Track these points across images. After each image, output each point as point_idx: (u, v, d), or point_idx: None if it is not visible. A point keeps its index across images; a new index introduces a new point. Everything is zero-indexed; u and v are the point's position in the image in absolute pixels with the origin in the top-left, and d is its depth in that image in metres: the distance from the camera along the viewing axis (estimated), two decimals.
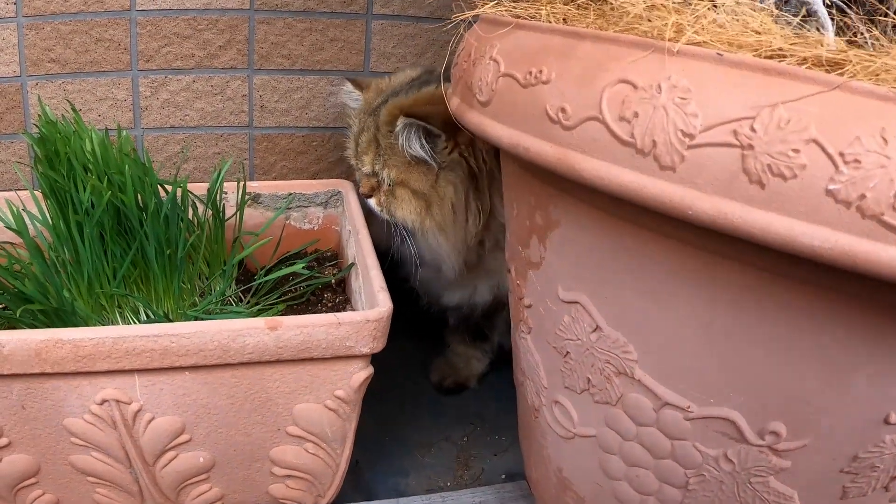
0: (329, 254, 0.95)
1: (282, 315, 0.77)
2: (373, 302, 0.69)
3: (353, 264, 0.84)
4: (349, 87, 0.97)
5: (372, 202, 0.89)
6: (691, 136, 0.40)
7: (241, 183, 0.82)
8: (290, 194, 0.95)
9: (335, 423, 0.68)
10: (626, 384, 0.54)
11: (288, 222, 0.96)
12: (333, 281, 0.86)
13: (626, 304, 0.52)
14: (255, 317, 0.68)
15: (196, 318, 0.70)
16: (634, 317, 0.52)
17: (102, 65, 0.98)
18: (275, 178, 1.11)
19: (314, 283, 0.84)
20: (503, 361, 1.03)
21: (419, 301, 1.01)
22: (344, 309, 0.82)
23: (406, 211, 0.85)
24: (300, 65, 1.06)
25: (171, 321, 0.68)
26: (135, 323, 0.71)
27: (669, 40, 0.43)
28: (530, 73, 0.50)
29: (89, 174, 0.68)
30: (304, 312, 0.80)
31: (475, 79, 0.57)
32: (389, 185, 0.86)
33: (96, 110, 1.00)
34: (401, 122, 0.79)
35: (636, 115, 0.43)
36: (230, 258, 0.77)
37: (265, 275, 0.82)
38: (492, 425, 0.99)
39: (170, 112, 1.04)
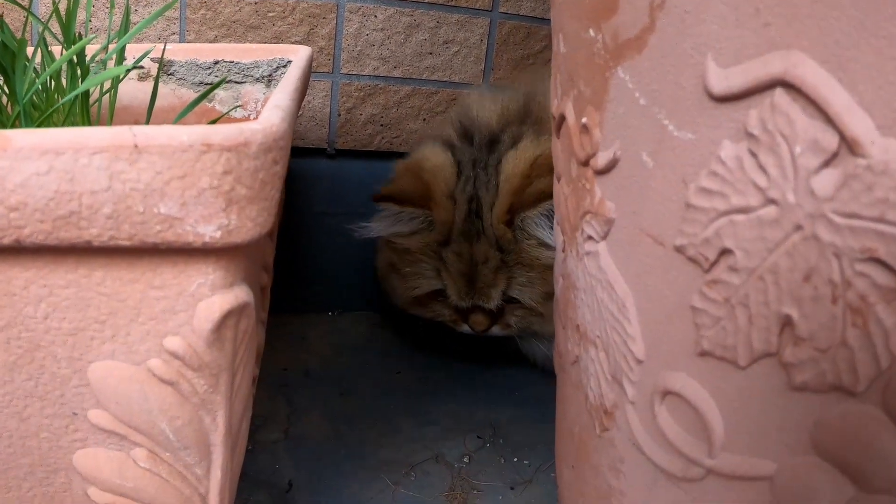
0: None
1: None
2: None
3: None
4: (393, 207, 0.68)
5: (495, 331, 0.71)
6: None
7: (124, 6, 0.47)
8: (217, 62, 0.61)
9: (177, 411, 0.33)
10: None
11: (211, 106, 0.61)
12: None
13: None
14: None
15: None
16: None
17: None
18: None
19: None
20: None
21: None
22: None
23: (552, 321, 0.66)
24: None
25: None
26: None
27: None
28: None
29: None
30: None
31: None
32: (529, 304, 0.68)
33: None
34: (534, 212, 0.63)
35: None
36: None
37: None
38: (511, 441, 0.63)
39: None
